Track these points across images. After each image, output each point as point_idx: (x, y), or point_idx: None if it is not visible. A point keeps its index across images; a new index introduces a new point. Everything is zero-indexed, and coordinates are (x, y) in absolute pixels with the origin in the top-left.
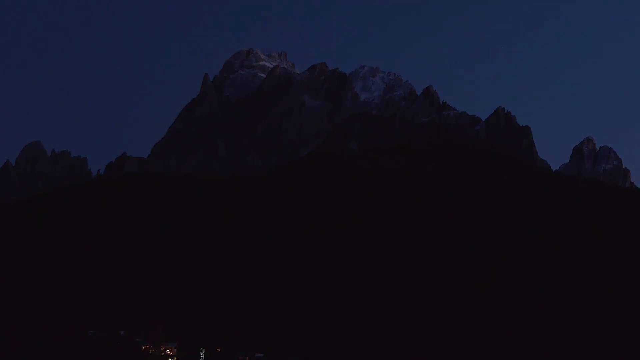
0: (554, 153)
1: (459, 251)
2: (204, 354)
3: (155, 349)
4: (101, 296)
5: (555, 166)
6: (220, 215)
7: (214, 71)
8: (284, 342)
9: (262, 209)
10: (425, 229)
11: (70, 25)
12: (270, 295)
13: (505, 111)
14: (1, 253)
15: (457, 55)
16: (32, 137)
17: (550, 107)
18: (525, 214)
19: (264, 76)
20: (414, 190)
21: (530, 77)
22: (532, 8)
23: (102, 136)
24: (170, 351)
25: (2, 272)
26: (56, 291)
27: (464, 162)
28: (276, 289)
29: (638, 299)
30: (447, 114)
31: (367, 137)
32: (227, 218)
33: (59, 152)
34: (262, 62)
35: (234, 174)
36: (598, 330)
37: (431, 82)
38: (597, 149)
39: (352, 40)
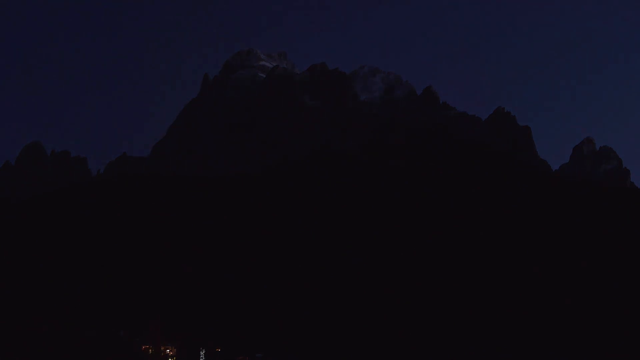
0: (554, 153)
1: (459, 251)
2: (204, 354)
3: (155, 349)
4: (101, 296)
5: (555, 166)
6: (220, 216)
7: (214, 71)
8: (284, 342)
9: (262, 209)
10: (425, 229)
11: (70, 25)
12: (270, 295)
13: (505, 111)
14: (1, 253)
15: (457, 55)
16: (32, 137)
17: (550, 107)
18: (525, 214)
19: (264, 76)
20: (414, 191)
21: (530, 77)
22: (532, 7)
23: (102, 136)
24: (170, 351)
25: (2, 272)
26: (56, 291)
27: (464, 162)
28: (276, 289)
29: (638, 299)
30: (447, 114)
31: (367, 137)
32: (227, 218)
33: (59, 152)
34: (262, 62)
35: (234, 174)
36: (597, 330)
37: (431, 82)
38: (597, 149)
39: (352, 40)
